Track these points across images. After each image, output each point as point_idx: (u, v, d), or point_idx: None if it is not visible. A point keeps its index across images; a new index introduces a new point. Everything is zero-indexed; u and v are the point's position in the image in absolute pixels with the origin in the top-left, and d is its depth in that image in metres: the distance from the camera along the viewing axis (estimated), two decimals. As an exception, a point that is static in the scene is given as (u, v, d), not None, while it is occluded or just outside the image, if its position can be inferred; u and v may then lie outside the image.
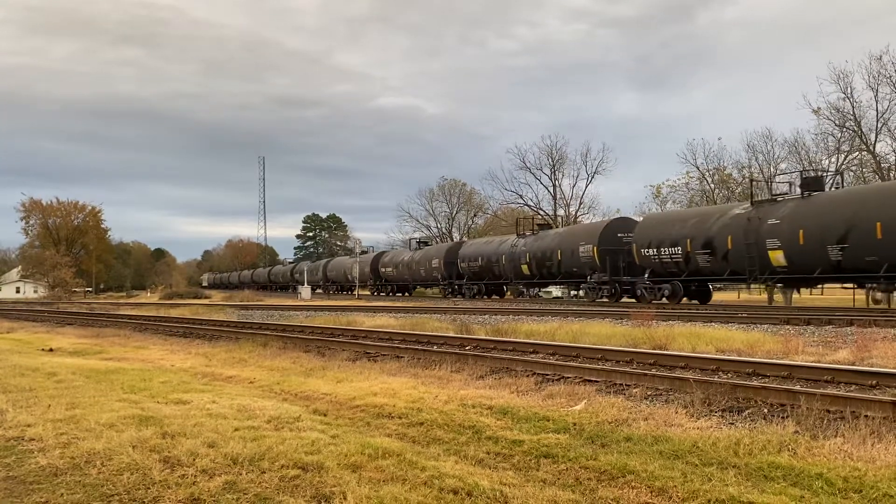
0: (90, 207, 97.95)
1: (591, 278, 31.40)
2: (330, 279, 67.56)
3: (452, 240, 63.71)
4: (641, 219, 32.13)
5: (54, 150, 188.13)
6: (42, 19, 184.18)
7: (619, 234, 30.92)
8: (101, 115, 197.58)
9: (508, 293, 43.19)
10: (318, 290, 68.79)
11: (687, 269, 26.17)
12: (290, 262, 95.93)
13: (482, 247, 42.60)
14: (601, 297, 30.94)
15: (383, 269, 55.88)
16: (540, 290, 44.37)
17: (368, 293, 58.18)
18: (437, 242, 62.62)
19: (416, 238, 60.91)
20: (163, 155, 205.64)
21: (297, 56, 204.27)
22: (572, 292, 41.16)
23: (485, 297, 41.41)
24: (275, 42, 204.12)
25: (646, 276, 27.84)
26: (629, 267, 29.48)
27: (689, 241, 25.76)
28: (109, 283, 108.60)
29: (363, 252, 62.16)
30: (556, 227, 40.23)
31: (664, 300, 26.83)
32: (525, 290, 40.99)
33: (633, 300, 29.39)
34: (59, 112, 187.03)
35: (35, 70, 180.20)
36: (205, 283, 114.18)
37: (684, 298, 26.90)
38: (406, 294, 54.94)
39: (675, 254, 26.48)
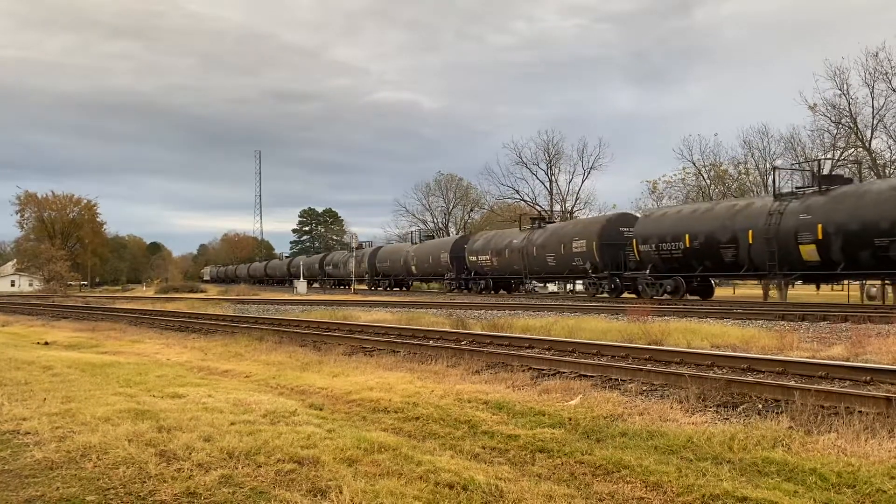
0: (86, 201, 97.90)
1: (590, 273, 31.37)
2: (327, 274, 67.05)
3: (449, 234, 63.62)
4: (641, 215, 32.22)
5: (50, 143, 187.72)
6: (37, 12, 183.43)
7: (620, 229, 30.72)
8: (96, 108, 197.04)
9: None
10: (316, 285, 68.35)
11: (691, 264, 25.92)
12: (286, 257, 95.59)
13: (491, 240, 41.55)
14: (601, 293, 30.81)
15: (380, 264, 55.11)
16: (535, 286, 44.07)
17: (365, 288, 57.67)
18: (440, 236, 62.23)
19: (413, 231, 60.52)
20: (159, 149, 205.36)
21: (293, 50, 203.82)
22: (568, 287, 41.07)
23: (493, 292, 40.43)
24: (271, 36, 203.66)
25: (647, 271, 27.69)
26: (629, 262, 29.43)
27: (690, 236, 25.48)
28: (105, 276, 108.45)
29: (359, 247, 61.81)
30: (555, 221, 39.79)
31: (665, 296, 26.72)
32: (554, 284, 40.40)
33: (634, 295, 29.24)
34: (54, 105, 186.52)
35: (30, 63, 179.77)
36: (206, 277, 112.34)
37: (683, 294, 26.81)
38: (403, 289, 54.08)
39: (676, 249, 26.35)
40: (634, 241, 28.35)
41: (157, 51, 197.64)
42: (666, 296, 26.67)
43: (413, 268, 49.07)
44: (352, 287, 57.23)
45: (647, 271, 27.59)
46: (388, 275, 54.65)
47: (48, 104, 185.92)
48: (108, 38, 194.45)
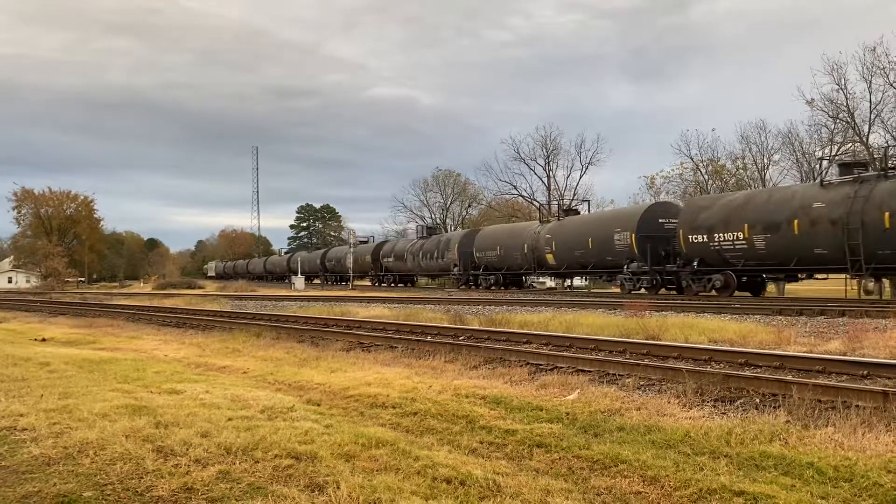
0: (83, 197, 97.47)
1: (627, 268, 28.41)
2: (328, 269, 65.92)
3: (447, 230, 63.46)
4: (684, 204, 29.41)
5: (46, 139, 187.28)
6: (34, 9, 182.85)
7: (660, 220, 28.03)
8: (93, 105, 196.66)
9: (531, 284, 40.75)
10: (316, 281, 67.65)
11: (749, 257, 23.17)
12: (285, 253, 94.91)
13: (501, 234, 39.40)
14: (638, 289, 28.14)
15: (385, 259, 53.49)
16: (534, 281, 43.34)
17: (369, 284, 56.49)
18: (438, 232, 61.67)
19: (417, 226, 59.54)
20: (156, 145, 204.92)
21: (291, 46, 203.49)
22: (566, 283, 40.64)
23: (502, 288, 38.38)
24: (269, 32, 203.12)
25: (695, 264, 25.11)
26: (671, 256, 26.91)
27: (750, 225, 22.77)
28: (102, 273, 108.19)
29: (363, 242, 61.12)
30: (555, 218, 36.55)
31: (713, 292, 24.59)
32: (551, 279, 38.18)
33: (673, 291, 27.11)
34: (51, 102, 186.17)
35: (27, 60, 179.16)
36: (211, 273, 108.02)
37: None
38: (408, 285, 52.35)
39: (726, 241, 23.71)
40: (680, 231, 25.72)
41: (155, 47, 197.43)
42: (713, 292, 24.57)
43: (420, 263, 47.37)
44: (350, 283, 57.00)
45: (695, 265, 25.03)
46: (393, 270, 52.94)
47: (45, 101, 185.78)
48: (105, 35, 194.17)
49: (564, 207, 36.48)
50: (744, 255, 23.52)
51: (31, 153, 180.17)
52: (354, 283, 57.52)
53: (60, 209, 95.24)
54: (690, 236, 25.28)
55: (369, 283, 56.82)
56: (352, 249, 58.87)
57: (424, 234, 51.27)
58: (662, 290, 27.53)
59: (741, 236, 23.35)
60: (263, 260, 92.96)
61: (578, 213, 37.50)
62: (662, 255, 27.21)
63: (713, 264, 24.68)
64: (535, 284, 43.42)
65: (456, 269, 42.65)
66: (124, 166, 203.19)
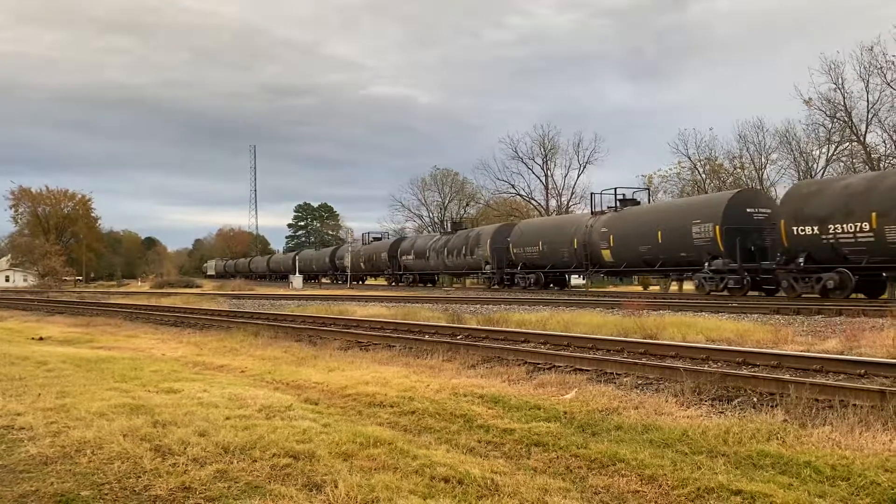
0: (80, 196, 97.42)
1: (709, 265, 24.46)
2: (338, 268, 62.37)
3: (445, 228, 63.30)
4: (789, 189, 25.04)
5: (44, 138, 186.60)
6: (33, 7, 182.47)
7: (748, 210, 24.48)
8: (90, 103, 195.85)
9: (583, 283, 36.39)
10: (325, 280, 66.04)
11: (875, 251, 19.59)
12: (288, 251, 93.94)
13: (544, 228, 35.47)
14: (721, 289, 24.17)
15: (405, 257, 49.62)
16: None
17: (385, 283, 53.43)
18: (436, 231, 60.81)
19: (410, 225, 58.81)
20: (153, 144, 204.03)
21: (288, 45, 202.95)
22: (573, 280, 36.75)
23: (544, 288, 34.26)
24: (267, 31, 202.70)
25: (800, 261, 21.27)
26: (762, 251, 23.44)
27: (881, 214, 19.18)
28: (100, 271, 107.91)
29: (377, 238, 59.23)
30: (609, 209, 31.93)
31: (818, 294, 20.87)
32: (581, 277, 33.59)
33: (761, 293, 23.54)
34: (48, 100, 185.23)
35: (24, 58, 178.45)
36: (210, 272, 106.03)
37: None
38: (430, 285, 48.51)
39: (845, 233, 20.01)
40: (781, 223, 21.94)
41: (152, 46, 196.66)
42: (818, 294, 20.85)
43: (444, 261, 43.31)
44: (349, 282, 56.81)
45: (801, 261, 21.24)
46: (413, 269, 48.78)
47: (42, 99, 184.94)
48: (102, 33, 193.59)
49: (621, 197, 31.94)
50: (868, 250, 19.79)
51: (27, 151, 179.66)
52: (366, 283, 55.77)
53: (58, 208, 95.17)
54: (795, 228, 21.39)
55: (385, 283, 53.26)
56: (350, 246, 58.49)
57: (449, 230, 47.49)
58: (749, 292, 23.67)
59: (867, 227, 19.61)
60: (267, 258, 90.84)
61: (638, 203, 32.48)
62: (751, 249, 23.53)
63: (824, 261, 20.87)
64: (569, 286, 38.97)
65: (488, 266, 38.72)
66: (122, 165, 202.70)
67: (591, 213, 32.14)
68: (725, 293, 23.84)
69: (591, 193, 34.59)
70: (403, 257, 50.15)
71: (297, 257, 75.48)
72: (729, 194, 26.32)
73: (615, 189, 32.24)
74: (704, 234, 24.83)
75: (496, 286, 37.88)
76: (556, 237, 33.36)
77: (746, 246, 23.50)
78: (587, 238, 30.86)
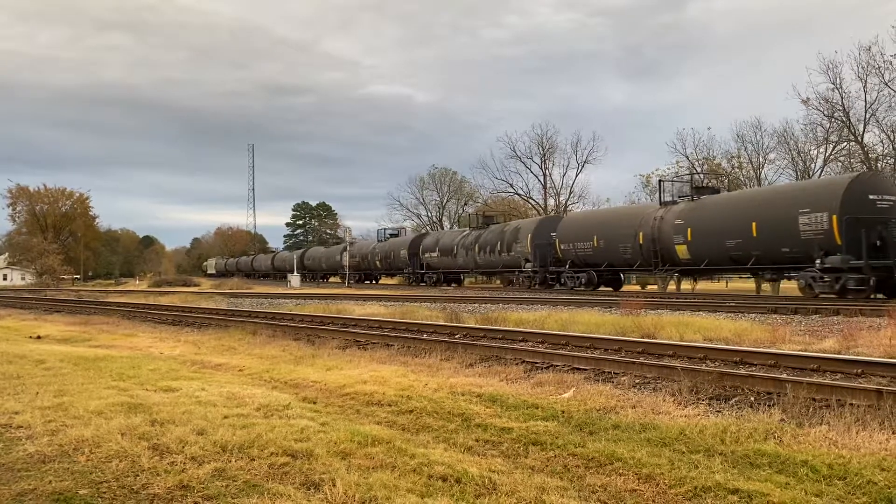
0: (78, 194, 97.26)
1: (822, 263, 20.28)
2: (351, 266, 58.44)
3: (443, 228, 63.25)
4: None
5: (41, 136, 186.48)
6: (31, 6, 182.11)
7: (870, 197, 20.48)
8: (88, 102, 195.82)
9: (651, 283, 32.33)
10: (335, 279, 64.35)
11: None
12: (295, 249, 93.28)
13: (599, 221, 31.12)
14: (837, 290, 19.89)
15: (427, 255, 45.83)
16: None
17: (405, 282, 49.58)
18: (434, 229, 59.91)
19: (409, 224, 57.98)
20: (151, 142, 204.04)
21: (286, 43, 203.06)
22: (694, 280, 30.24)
23: (596, 288, 30.63)
24: (264, 29, 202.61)
25: None
26: (885, 246, 19.72)
27: None
28: (98, 270, 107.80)
29: (394, 235, 57.25)
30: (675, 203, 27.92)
31: None
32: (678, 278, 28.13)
33: (885, 296, 19.74)
34: (46, 99, 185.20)
35: (22, 56, 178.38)
36: (210, 271, 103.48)
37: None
38: (455, 285, 44.28)
39: None
40: None
41: (150, 44, 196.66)
42: None
43: (476, 258, 39.52)
44: (345, 280, 56.57)
45: None
46: (437, 267, 44.67)
47: (40, 98, 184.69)
48: (100, 32, 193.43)
49: (697, 185, 28.09)
50: None
51: (25, 150, 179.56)
52: (381, 282, 53.48)
53: (55, 206, 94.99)
54: None
55: (403, 282, 49.53)
56: (348, 244, 58.09)
57: (479, 224, 42.55)
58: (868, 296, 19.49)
59: None
60: (271, 256, 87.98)
61: (718, 191, 28.57)
62: (877, 244, 19.67)
63: None
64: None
65: (528, 265, 34.46)
66: (120, 163, 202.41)
67: (660, 203, 28.13)
68: (833, 295, 19.90)
69: (660, 181, 30.47)
70: (426, 255, 46.05)
71: (303, 255, 72.76)
72: (847, 178, 22.13)
73: (691, 175, 27.62)
74: (816, 226, 20.73)
75: (538, 286, 33.73)
76: (615, 231, 28.99)
77: (871, 239, 19.60)
78: (656, 232, 26.60)
